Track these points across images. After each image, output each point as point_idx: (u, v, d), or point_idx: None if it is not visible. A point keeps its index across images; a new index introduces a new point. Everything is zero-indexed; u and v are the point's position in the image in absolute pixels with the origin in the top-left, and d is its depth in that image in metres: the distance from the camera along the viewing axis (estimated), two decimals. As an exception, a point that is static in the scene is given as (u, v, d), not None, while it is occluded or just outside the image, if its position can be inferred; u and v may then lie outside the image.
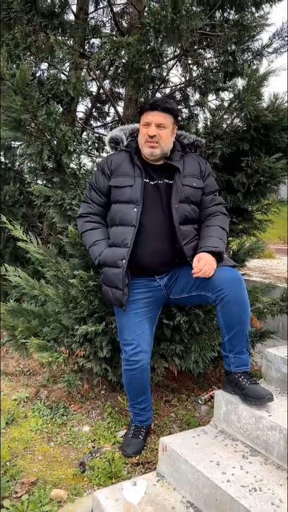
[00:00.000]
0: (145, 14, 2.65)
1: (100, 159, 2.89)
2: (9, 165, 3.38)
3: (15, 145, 3.21)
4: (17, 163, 3.40)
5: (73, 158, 2.54)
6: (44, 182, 2.70)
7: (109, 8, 3.10)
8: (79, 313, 2.53)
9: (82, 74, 2.68)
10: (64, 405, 2.72)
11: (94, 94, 3.92)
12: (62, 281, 2.61)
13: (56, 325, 2.65)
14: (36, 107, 2.23)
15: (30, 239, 2.72)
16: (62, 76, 2.90)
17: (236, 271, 2.12)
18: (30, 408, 2.69)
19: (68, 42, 3.37)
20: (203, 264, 2.03)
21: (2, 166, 3.29)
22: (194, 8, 2.44)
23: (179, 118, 2.34)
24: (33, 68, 2.69)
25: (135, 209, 2.14)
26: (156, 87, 3.08)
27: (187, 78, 2.96)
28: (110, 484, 2.01)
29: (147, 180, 2.19)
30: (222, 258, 2.12)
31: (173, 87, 3.63)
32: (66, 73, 3.01)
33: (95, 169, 2.46)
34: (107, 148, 2.40)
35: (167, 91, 3.63)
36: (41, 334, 2.68)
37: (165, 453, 1.98)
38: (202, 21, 2.43)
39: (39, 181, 2.81)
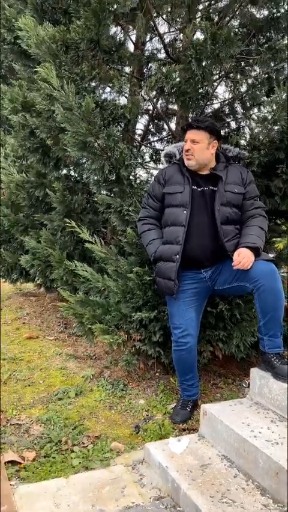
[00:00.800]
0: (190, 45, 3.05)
1: (157, 171, 3.33)
2: (78, 178, 3.94)
3: (83, 161, 3.75)
4: (84, 176, 3.94)
5: (130, 171, 3.00)
6: (106, 192, 3.19)
7: (160, 39, 3.54)
8: (135, 302, 2.97)
9: (138, 98, 3.15)
10: (124, 383, 3.16)
11: (150, 111, 4.39)
12: (121, 276, 3.06)
13: (116, 313, 3.11)
14: (98, 131, 2.74)
15: (95, 240, 3.21)
16: (122, 101, 3.40)
17: (271, 264, 2.43)
18: (95, 384, 3.16)
19: (127, 69, 3.90)
20: (242, 257, 2.37)
21: (72, 179, 3.86)
22: (232, 35, 2.79)
23: (220, 131, 2.67)
24: (96, 97, 3.19)
25: (185, 211, 2.54)
26: (204, 104, 3.46)
27: (230, 95, 3.31)
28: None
29: (195, 187, 2.60)
30: (259, 253, 2.44)
31: (222, 102, 4.00)
32: (126, 97, 3.51)
33: (153, 179, 2.92)
34: (163, 160, 2.85)
35: (216, 106, 4.01)
36: (104, 321, 3.15)
37: (205, 417, 2.34)
38: (239, 48, 2.79)
39: (102, 192, 3.30)
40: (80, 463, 2.24)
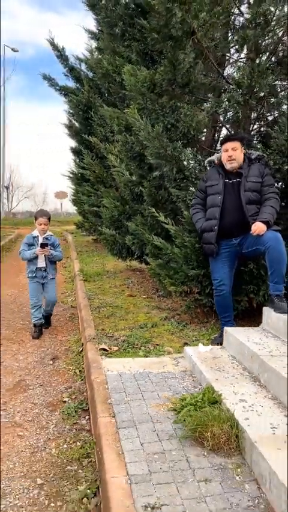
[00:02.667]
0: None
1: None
2: (159, 177, 5.31)
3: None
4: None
5: (191, 172, 4.25)
6: (176, 186, 4.49)
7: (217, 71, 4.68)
8: (191, 264, 4.21)
9: (200, 118, 4.36)
10: (186, 323, 4.43)
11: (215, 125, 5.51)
12: (183, 245, 4.33)
13: (182, 273, 4.39)
14: (166, 145, 4.05)
15: (169, 222, 4.53)
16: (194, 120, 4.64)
17: (276, 233, 3.47)
18: (167, 322, 4.49)
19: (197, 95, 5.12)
20: (256, 227, 3.46)
21: (158, 179, 5.24)
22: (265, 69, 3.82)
23: (244, 138, 3.82)
24: (171, 120, 4.48)
25: (220, 197, 3.72)
26: (253, 121, 4.52)
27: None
28: (196, 350, 3.63)
29: (227, 180, 3.76)
30: (270, 225, 3.49)
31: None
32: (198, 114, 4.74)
33: (200, 179, 4.13)
34: (206, 165, 4.06)
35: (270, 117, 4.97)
36: (173, 278, 4.46)
37: (225, 334, 3.49)
38: (272, 79, 3.83)
39: (173, 187, 4.60)
40: (143, 354, 3.60)
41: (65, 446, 2.54)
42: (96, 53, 10.64)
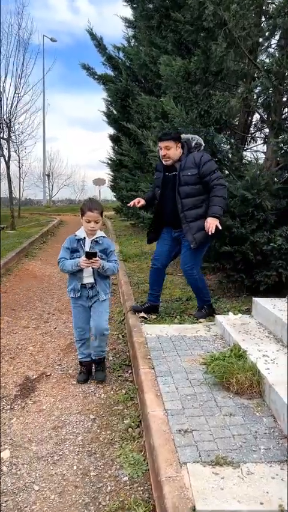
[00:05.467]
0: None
1: (250, 152, 4.74)
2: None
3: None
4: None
5: (224, 154, 4.54)
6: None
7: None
8: (223, 242, 4.53)
9: (232, 104, 4.62)
10: (218, 297, 4.77)
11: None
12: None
13: (215, 250, 4.72)
14: (199, 131, 4.36)
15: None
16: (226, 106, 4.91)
17: (193, 264, 3.94)
18: (201, 296, 4.85)
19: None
20: (208, 224, 3.60)
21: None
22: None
23: (179, 136, 3.83)
24: (205, 106, 4.77)
25: (159, 191, 3.97)
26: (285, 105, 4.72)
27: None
28: (227, 318, 3.99)
29: (167, 173, 3.90)
30: (220, 217, 3.68)
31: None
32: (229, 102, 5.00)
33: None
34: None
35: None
36: (206, 255, 4.79)
37: (254, 304, 3.82)
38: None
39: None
40: (178, 321, 3.99)
41: (112, 392, 3.00)
42: (133, 41, 10.92)
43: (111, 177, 13.75)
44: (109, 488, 2.07)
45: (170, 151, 3.74)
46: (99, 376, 3.18)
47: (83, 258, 2.92)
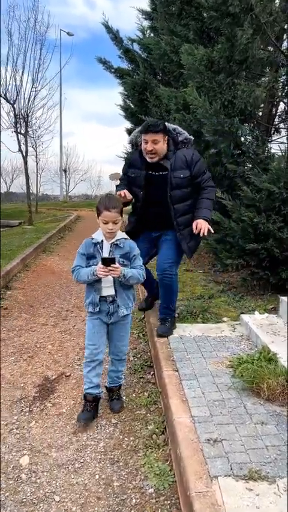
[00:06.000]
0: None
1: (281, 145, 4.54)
2: (216, 154, 5.42)
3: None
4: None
5: (248, 147, 4.35)
6: (233, 162, 4.61)
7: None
8: (248, 238, 4.35)
9: (257, 94, 4.42)
10: (242, 295, 4.60)
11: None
12: (240, 220, 4.46)
13: (238, 247, 4.54)
14: (223, 122, 4.18)
15: (226, 198, 4.67)
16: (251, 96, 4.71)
17: (172, 270, 3.35)
18: (223, 295, 4.68)
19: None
20: (200, 226, 3.11)
21: (215, 156, 5.37)
22: None
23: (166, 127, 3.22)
24: (229, 96, 4.58)
25: (141, 192, 3.35)
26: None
27: None
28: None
29: (151, 172, 3.28)
30: (208, 220, 3.21)
31: None
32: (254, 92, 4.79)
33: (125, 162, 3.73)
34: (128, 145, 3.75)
35: None
36: (230, 252, 4.63)
37: (281, 303, 3.64)
38: None
39: (230, 162, 4.73)
40: (201, 321, 3.84)
41: (134, 395, 2.87)
42: (148, 31, 10.72)
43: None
44: (134, 501, 1.94)
45: (158, 146, 3.14)
46: (116, 406, 2.65)
47: (100, 265, 2.41)
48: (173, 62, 6.13)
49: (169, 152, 3.23)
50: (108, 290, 2.53)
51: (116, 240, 2.54)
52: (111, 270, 2.40)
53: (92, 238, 2.55)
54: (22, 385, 3.02)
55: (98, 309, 2.53)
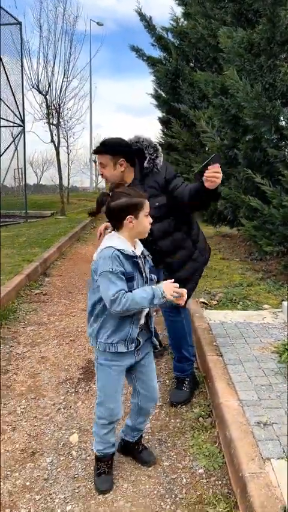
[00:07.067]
0: None
1: None
2: (253, 139, 5.29)
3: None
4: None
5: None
6: (274, 147, 4.49)
7: None
8: (289, 224, 4.26)
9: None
10: (282, 283, 4.51)
11: None
12: (281, 206, 4.36)
13: (279, 234, 4.45)
14: (264, 105, 4.07)
15: (266, 183, 4.57)
16: None
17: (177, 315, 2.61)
18: (262, 282, 4.61)
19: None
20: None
21: (254, 141, 5.25)
22: None
23: (128, 146, 2.39)
24: (270, 79, 4.46)
25: None
26: None
27: None
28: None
29: None
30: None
31: None
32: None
33: None
34: None
35: None
36: (270, 239, 4.54)
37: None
38: None
39: (271, 147, 4.61)
40: (241, 308, 3.80)
41: (177, 379, 2.87)
42: (182, 19, 10.55)
43: (160, 161, 13.48)
44: (184, 480, 1.95)
45: (106, 171, 2.36)
46: (149, 458, 2.07)
47: (169, 283, 1.77)
48: (210, 46, 6.01)
49: (135, 181, 2.40)
50: (142, 318, 1.86)
51: (142, 249, 1.88)
52: (180, 296, 1.78)
53: (122, 250, 1.71)
54: (66, 367, 3.08)
55: (132, 347, 1.81)
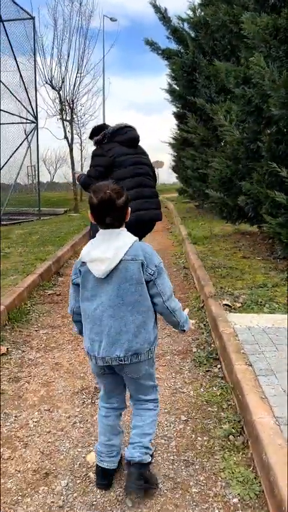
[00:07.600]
0: None
1: None
2: (277, 132, 4.99)
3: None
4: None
5: None
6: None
7: None
8: None
9: None
10: (309, 283, 4.24)
11: None
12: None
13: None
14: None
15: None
16: None
17: None
18: (280, 277, 4.34)
19: None
20: None
21: (279, 132, 4.96)
22: None
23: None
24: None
25: None
26: None
27: None
28: None
29: None
30: None
31: None
32: None
33: None
34: None
35: None
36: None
37: None
38: None
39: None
40: (268, 311, 3.54)
41: (202, 389, 2.64)
42: (199, 10, 10.24)
43: (174, 157, 13.27)
44: (217, 511, 1.72)
45: None
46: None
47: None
48: (232, 34, 5.73)
49: None
50: None
51: None
52: None
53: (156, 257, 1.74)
54: (82, 375, 2.87)
55: None
